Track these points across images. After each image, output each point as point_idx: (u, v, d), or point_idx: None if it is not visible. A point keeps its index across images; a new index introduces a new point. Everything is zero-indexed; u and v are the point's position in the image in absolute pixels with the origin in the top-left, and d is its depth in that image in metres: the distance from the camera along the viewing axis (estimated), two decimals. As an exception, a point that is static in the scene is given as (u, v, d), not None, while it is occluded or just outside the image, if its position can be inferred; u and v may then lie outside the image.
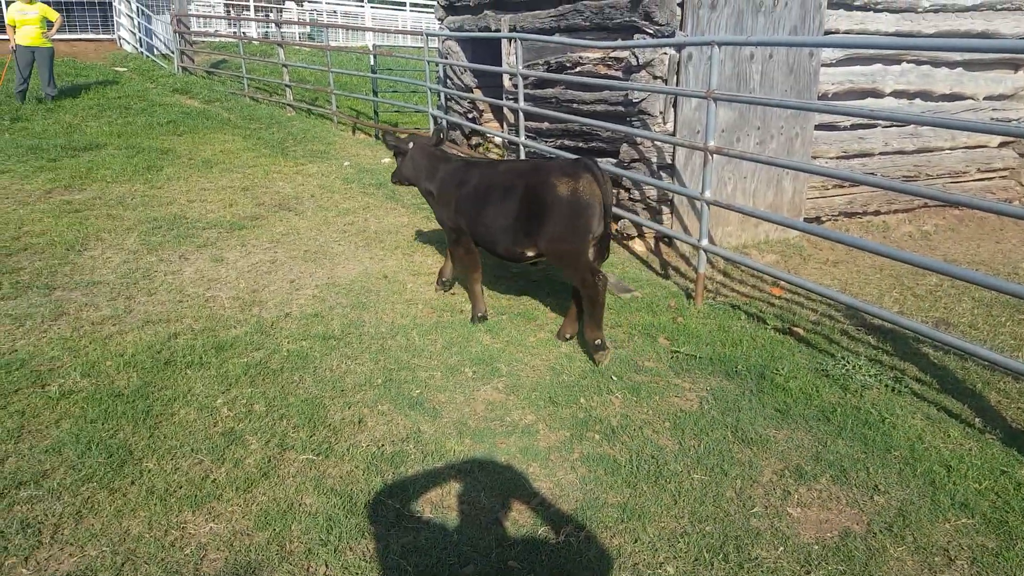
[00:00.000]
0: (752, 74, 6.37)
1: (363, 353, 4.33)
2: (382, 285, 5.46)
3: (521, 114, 7.34)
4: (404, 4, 25.44)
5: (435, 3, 10.40)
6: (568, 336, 4.57)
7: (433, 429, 3.54)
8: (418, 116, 12.97)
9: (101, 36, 16.29)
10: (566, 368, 4.21)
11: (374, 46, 13.37)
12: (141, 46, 15.75)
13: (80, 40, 15.98)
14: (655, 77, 6.20)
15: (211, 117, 11.04)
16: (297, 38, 21.38)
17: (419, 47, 22.25)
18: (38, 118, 10.22)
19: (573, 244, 4.12)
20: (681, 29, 6.11)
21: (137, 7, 15.60)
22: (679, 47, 6.00)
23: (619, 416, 3.69)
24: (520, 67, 7.18)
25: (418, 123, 12.62)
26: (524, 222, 4.23)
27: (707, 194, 5.12)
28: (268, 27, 20.13)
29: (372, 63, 11.30)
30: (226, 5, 18.43)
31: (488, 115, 9.96)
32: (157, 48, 15.98)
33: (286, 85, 12.35)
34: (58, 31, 11.40)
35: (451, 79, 10.06)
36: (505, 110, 8.66)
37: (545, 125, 7.78)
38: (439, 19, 10.35)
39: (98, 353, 4.11)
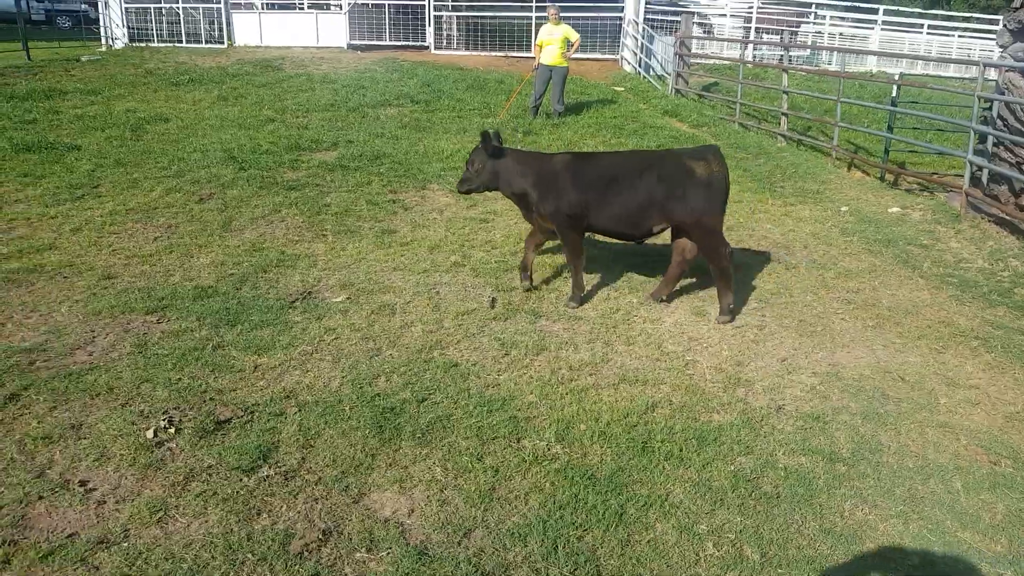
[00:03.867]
0: None
1: (884, 496, 3.16)
2: (902, 391, 4.13)
3: None
4: (921, 25, 22.03)
5: (1000, 26, 8.21)
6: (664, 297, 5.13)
7: None
8: (940, 160, 10.74)
9: (606, 56, 17.52)
10: None
11: (901, 75, 11.51)
12: (640, 66, 16.46)
13: (588, 60, 17.39)
14: None
15: (698, 142, 10.68)
16: (789, 61, 20.13)
17: (939, 76, 19.07)
18: (545, 133, 11.12)
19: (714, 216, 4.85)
20: None
21: (644, 28, 16.29)
22: None
23: None
24: None
25: (938, 166, 10.42)
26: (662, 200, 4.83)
27: None
28: (768, 49, 19.21)
29: (893, 94, 9.57)
30: (745, 28, 18.21)
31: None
32: (653, 68, 16.52)
33: (782, 113, 11.35)
34: (571, 52, 12.25)
35: (1005, 120, 7.83)
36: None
37: None
38: (1001, 46, 8.16)
39: (573, 409, 3.75)
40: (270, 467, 3.22)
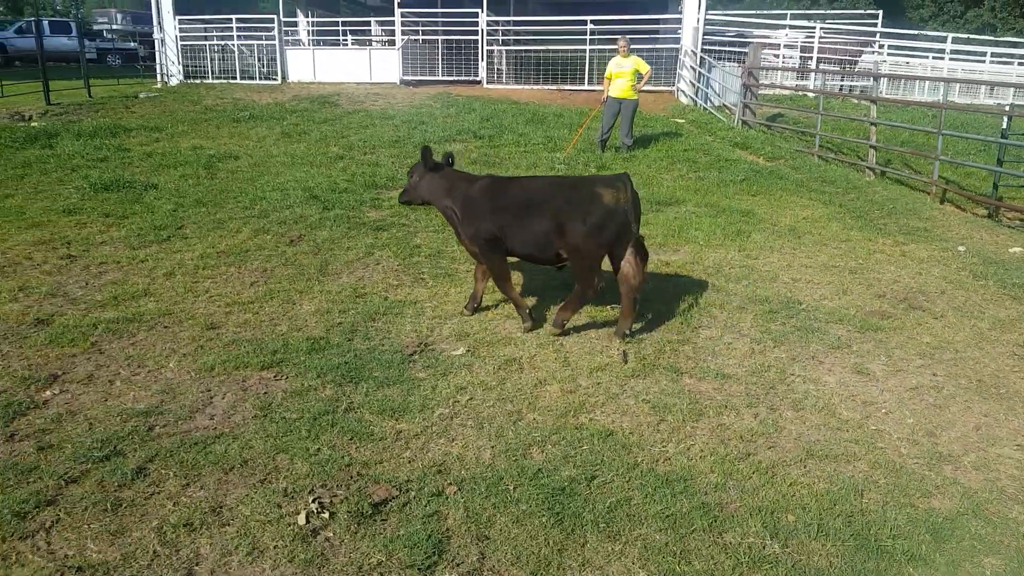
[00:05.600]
0: None
1: None
2: None
3: None
4: (984, 53, 21.38)
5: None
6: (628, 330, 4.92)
7: None
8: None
9: (660, 88, 17.22)
10: None
11: (1011, 106, 11.00)
12: (698, 97, 16.13)
13: (643, 91, 17.09)
14: None
15: (782, 176, 10.24)
16: (848, 91, 19.65)
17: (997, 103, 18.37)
18: (617, 167, 10.77)
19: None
20: None
21: (701, 59, 16.00)
22: None
23: None
24: None
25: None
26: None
27: None
28: (836, 79, 18.69)
29: (1004, 125, 9.07)
30: (803, 56, 17.82)
31: None
32: (711, 100, 16.18)
33: (871, 146, 10.87)
34: (642, 84, 11.92)
35: None
36: None
37: None
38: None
39: (769, 494, 3.29)
40: (448, 566, 2.80)
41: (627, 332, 4.95)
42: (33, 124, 12.73)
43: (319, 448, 3.54)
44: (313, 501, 3.12)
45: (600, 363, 4.61)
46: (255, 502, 3.12)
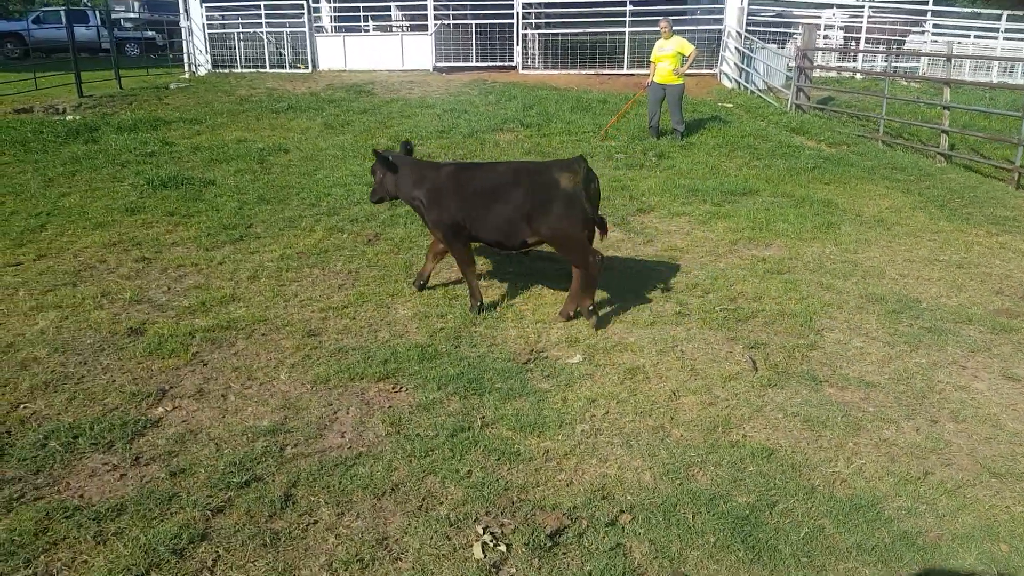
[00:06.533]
0: None
1: None
2: None
3: None
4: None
5: None
6: (571, 315, 4.92)
7: None
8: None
9: (702, 71, 16.80)
10: None
11: None
12: (742, 79, 15.72)
13: (685, 75, 16.68)
14: None
15: (851, 164, 9.91)
16: (893, 72, 19.11)
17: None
18: (678, 156, 10.43)
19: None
20: None
21: (747, 40, 15.58)
22: None
23: None
24: None
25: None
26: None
27: None
28: (883, 60, 18.07)
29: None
30: (846, 38, 17.30)
31: None
32: (755, 83, 15.76)
33: (942, 131, 10.50)
34: (686, 67, 11.38)
35: None
36: None
37: None
38: None
39: (969, 521, 3.03)
40: (655, 609, 2.56)
41: (577, 311, 4.93)
42: (68, 117, 12.49)
43: (469, 470, 3.30)
44: (484, 531, 2.89)
45: (729, 371, 4.35)
46: (421, 532, 2.89)
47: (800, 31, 14.57)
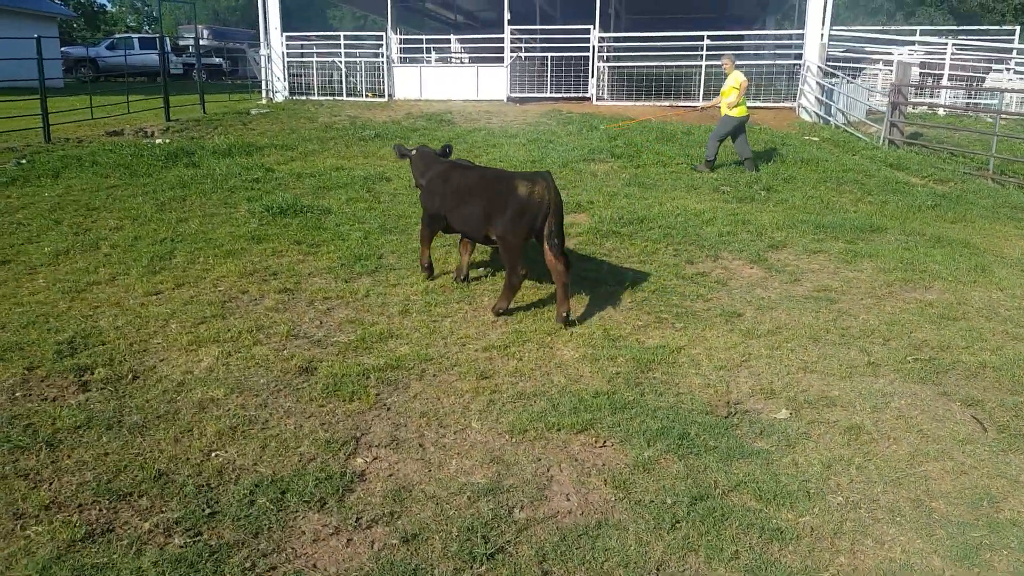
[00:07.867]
0: None
1: None
2: None
3: None
4: None
5: None
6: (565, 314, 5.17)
7: None
8: None
9: (781, 104, 16.48)
10: None
11: None
12: (823, 112, 15.35)
13: (761, 108, 16.38)
14: None
15: (970, 202, 9.47)
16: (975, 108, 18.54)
17: None
18: (783, 189, 10.06)
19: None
20: None
21: (830, 74, 15.24)
22: None
23: None
24: None
25: None
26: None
27: None
28: (970, 96, 17.51)
29: None
30: (922, 74, 16.84)
31: None
32: (835, 117, 15.38)
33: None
34: (737, 99, 10.83)
35: None
36: None
37: None
38: None
39: None
40: None
41: (565, 315, 5.17)
42: (158, 141, 12.56)
43: (736, 550, 2.94)
44: (787, 628, 2.53)
45: (958, 432, 3.95)
46: (711, 626, 2.54)
47: (884, 67, 14.25)
